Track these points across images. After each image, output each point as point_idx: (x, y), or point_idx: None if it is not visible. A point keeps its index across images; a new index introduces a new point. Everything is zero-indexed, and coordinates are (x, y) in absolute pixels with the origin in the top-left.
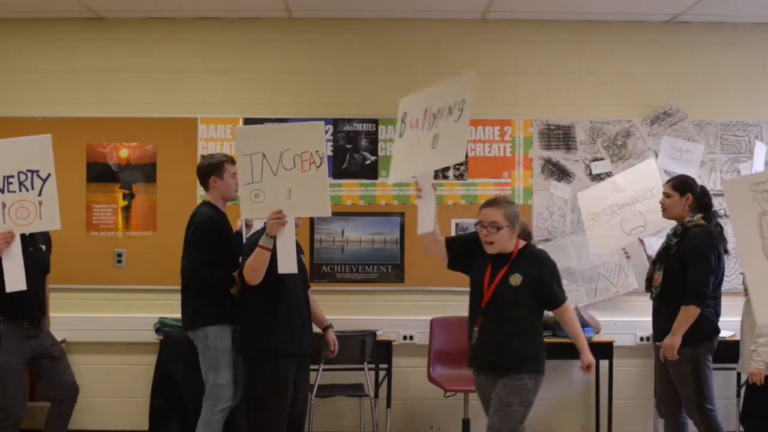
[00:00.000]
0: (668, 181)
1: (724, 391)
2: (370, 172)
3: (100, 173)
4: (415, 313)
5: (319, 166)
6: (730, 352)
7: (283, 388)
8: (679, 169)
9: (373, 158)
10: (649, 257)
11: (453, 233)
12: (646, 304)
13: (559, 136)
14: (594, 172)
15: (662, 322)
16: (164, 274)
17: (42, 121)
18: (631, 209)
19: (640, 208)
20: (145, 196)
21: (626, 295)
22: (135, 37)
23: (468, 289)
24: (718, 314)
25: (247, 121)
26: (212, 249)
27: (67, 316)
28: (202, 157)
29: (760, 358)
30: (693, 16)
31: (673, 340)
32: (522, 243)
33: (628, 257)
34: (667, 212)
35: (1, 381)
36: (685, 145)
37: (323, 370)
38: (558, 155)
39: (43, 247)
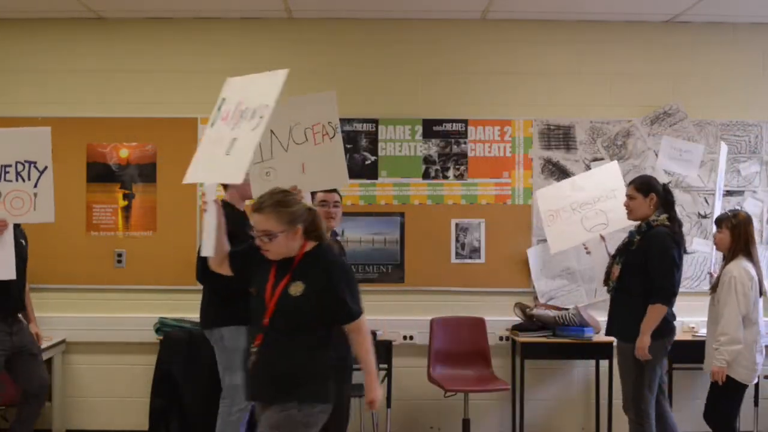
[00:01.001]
0: (630, 183)
1: None
2: (371, 172)
3: (100, 173)
4: (415, 313)
5: (332, 138)
6: None
7: None
8: (679, 169)
9: (373, 158)
10: (610, 254)
11: (453, 233)
12: None
13: (559, 136)
14: None
15: (616, 316)
16: (164, 274)
17: (42, 121)
18: (593, 207)
19: (602, 207)
20: (145, 196)
21: None
22: (135, 37)
23: (470, 289)
24: (673, 315)
25: None
26: None
27: (67, 316)
28: None
29: (722, 357)
30: (693, 16)
31: (643, 340)
32: (311, 244)
33: (588, 253)
34: (632, 214)
35: None
36: (685, 145)
37: None
38: (558, 155)
39: (23, 242)
